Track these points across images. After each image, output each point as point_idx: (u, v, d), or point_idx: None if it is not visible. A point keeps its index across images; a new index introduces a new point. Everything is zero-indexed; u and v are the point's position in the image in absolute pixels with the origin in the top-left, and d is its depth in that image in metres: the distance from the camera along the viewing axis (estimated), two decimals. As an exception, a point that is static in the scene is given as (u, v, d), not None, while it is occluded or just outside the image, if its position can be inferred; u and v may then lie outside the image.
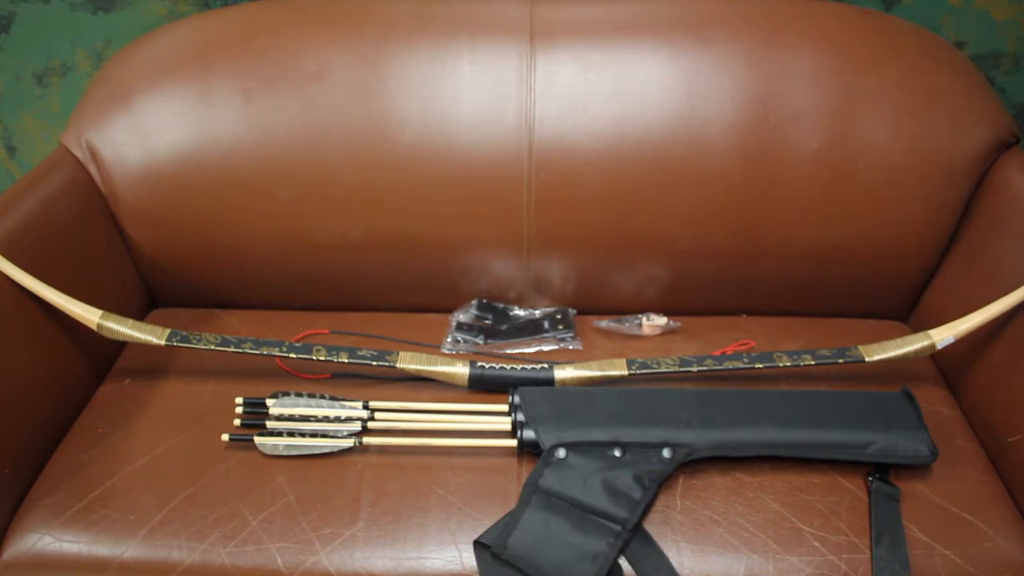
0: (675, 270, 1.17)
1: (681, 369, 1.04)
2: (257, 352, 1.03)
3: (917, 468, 0.94)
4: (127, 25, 1.32)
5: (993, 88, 1.19)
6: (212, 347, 1.03)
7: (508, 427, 0.98)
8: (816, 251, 1.14)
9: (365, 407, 1.01)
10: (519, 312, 1.22)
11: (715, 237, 1.14)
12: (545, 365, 1.06)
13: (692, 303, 1.21)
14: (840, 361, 1.04)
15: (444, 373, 1.05)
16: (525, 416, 0.97)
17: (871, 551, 0.86)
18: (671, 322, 1.18)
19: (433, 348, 1.15)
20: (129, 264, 1.20)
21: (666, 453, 0.93)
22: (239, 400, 1.01)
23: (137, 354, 1.15)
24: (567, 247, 1.16)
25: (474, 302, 1.21)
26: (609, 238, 1.14)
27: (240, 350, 1.03)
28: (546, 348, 1.15)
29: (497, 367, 1.06)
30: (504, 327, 1.18)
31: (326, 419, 0.99)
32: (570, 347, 1.15)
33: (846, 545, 0.87)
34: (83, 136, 1.13)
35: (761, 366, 1.04)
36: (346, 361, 1.03)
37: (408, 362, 1.05)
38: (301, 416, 0.99)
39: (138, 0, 1.29)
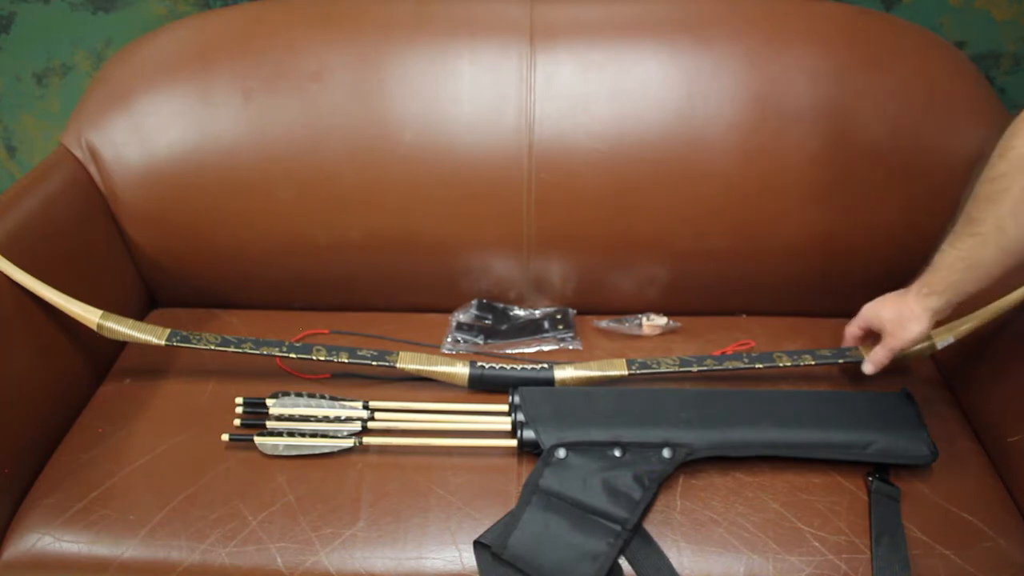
0: (675, 270, 1.17)
1: (681, 369, 1.04)
2: (257, 352, 1.03)
3: (917, 468, 0.94)
4: (127, 25, 1.32)
5: (993, 88, 1.19)
6: (212, 347, 1.03)
7: (508, 427, 0.98)
8: (815, 251, 1.14)
9: (365, 407, 1.01)
10: (519, 312, 1.22)
11: (715, 237, 1.14)
12: (545, 365, 1.06)
13: (692, 303, 1.20)
14: (840, 361, 1.04)
15: (444, 373, 1.05)
16: (525, 416, 0.97)
17: (871, 551, 0.86)
18: (671, 322, 1.18)
19: (433, 348, 1.15)
20: (129, 264, 1.20)
21: (666, 453, 0.93)
22: (239, 400, 1.01)
23: (137, 354, 1.15)
24: (567, 247, 1.16)
25: (474, 302, 1.21)
26: (609, 238, 1.14)
27: (240, 350, 1.03)
28: (546, 348, 1.15)
29: (497, 367, 1.06)
30: (504, 327, 1.18)
31: (326, 419, 0.99)
32: (570, 347, 1.15)
33: (846, 545, 0.87)
34: (83, 136, 1.13)
35: (761, 366, 1.04)
36: (346, 361, 1.03)
37: (408, 362, 1.05)
38: (301, 416, 0.99)
39: (138, 0, 1.29)
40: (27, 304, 0.98)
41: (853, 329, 1.04)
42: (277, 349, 1.04)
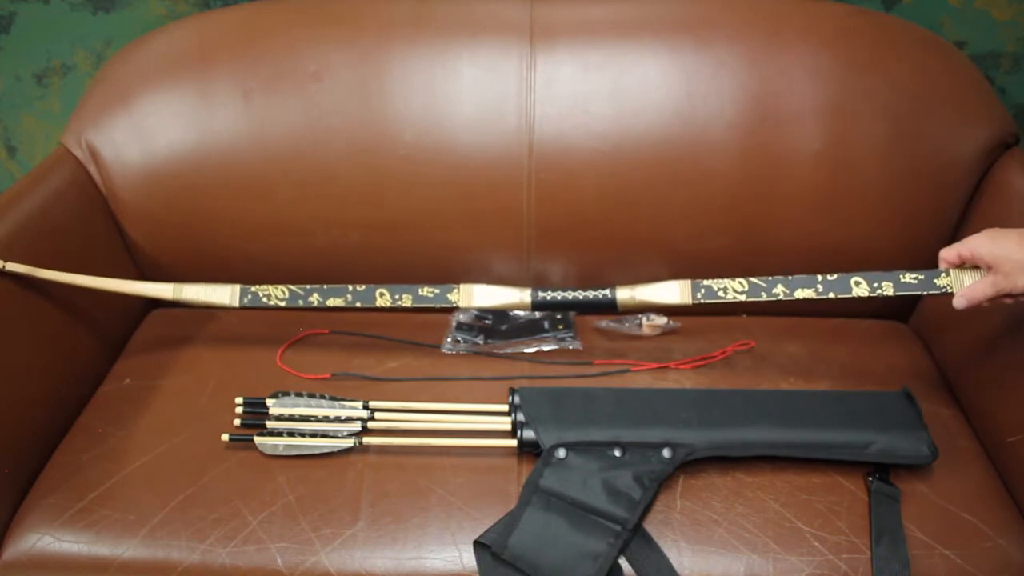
0: (675, 270, 1.16)
1: (749, 299, 0.99)
2: (323, 304, 1.06)
3: (917, 468, 0.94)
4: (127, 25, 1.32)
5: (993, 88, 1.19)
6: (282, 304, 1.06)
7: (508, 427, 0.98)
8: (816, 251, 1.14)
9: (365, 407, 1.01)
10: (519, 312, 1.21)
11: (715, 237, 1.14)
12: (607, 291, 1.06)
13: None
14: (926, 293, 0.95)
15: (507, 305, 1.07)
16: (525, 416, 0.97)
17: (871, 551, 0.86)
18: (671, 322, 1.17)
19: (435, 348, 1.15)
20: (129, 264, 1.20)
21: (666, 453, 0.93)
22: (239, 400, 1.01)
23: (137, 354, 1.15)
24: (567, 247, 1.16)
25: (474, 302, 1.21)
26: (609, 238, 1.14)
27: (308, 304, 1.06)
28: (546, 348, 1.15)
29: (559, 296, 1.06)
30: (504, 327, 1.18)
31: (326, 419, 0.99)
32: (570, 347, 1.15)
33: (846, 545, 0.87)
34: (83, 136, 1.13)
35: (834, 295, 0.98)
36: (409, 306, 1.06)
37: (468, 299, 1.07)
38: (301, 416, 0.99)
39: (138, 0, 1.30)
40: (27, 304, 0.98)
41: (951, 255, 0.92)
42: (342, 299, 1.06)
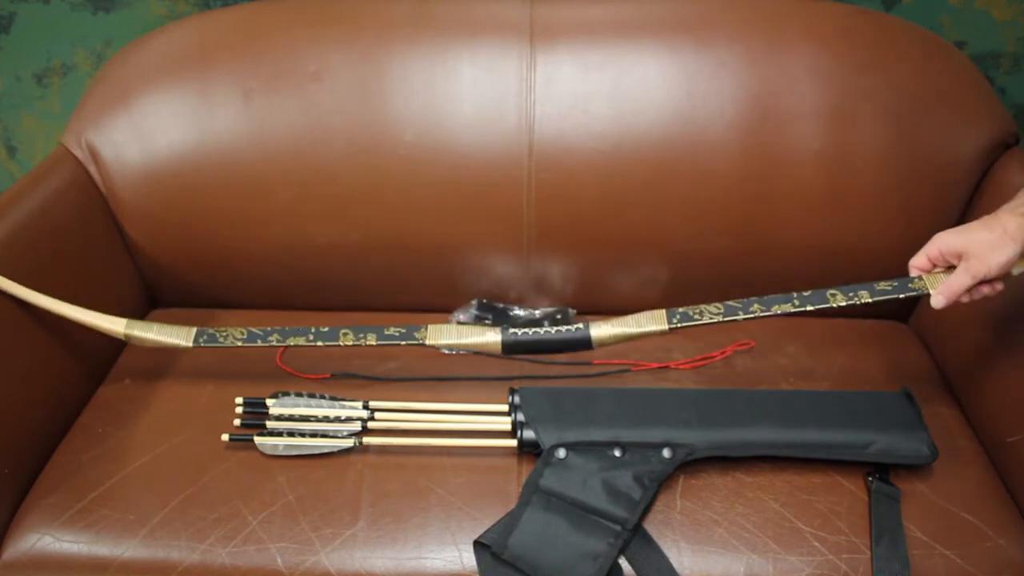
0: (675, 270, 1.17)
1: (726, 319, 0.97)
2: (284, 344, 1.00)
3: (917, 468, 0.94)
4: (127, 25, 1.32)
5: (993, 88, 1.19)
6: (240, 343, 1.00)
7: (508, 427, 0.98)
8: (816, 251, 1.14)
9: (365, 407, 1.01)
10: (519, 312, 1.22)
11: (715, 237, 1.14)
12: (580, 325, 1.00)
13: (692, 303, 1.20)
14: (902, 296, 0.93)
15: (475, 344, 1.01)
16: (525, 416, 0.97)
17: (871, 551, 0.86)
18: (671, 322, 1.17)
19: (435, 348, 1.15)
20: (129, 264, 1.20)
21: (666, 453, 0.93)
22: (239, 400, 1.01)
23: (137, 355, 1.15)
24: (567, 247, 1.16)
25: (474, 302, 1.21)
26: (609, 238, 1.14)
27: (267, 343, 1.00)
28: (546, 348, 1.15)
29: (531, 332, 1.00)
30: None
31: (326, 419, 0.99)
32: (570, 347, 1.15)
33: (846, 545, 0.87)
34: (83, 136, 1.13)
35: (812, 308, 0.96)
36: (374, 344, 0.99)
37: (436, 337, 1.00)
38: (301, 416, 0.99)
39: (138, 0, 1.29)
40: (26, 302, 0.98)
41: (920, 261, 0.92)
42: (304, 339, 1.00)
